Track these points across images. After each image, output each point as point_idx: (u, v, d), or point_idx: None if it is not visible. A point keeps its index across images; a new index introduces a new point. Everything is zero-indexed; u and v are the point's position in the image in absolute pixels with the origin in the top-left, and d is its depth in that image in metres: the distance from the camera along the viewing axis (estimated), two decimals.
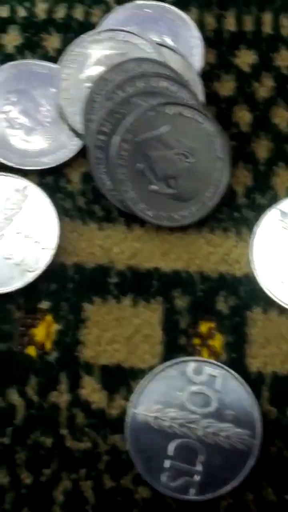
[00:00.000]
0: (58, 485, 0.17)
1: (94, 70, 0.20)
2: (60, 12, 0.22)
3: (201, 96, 0.20)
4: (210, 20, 0.22)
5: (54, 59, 0.21)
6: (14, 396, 0.18)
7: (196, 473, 0.16)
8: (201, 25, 0.22)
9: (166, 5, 0.21)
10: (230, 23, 0.22)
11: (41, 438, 0.17)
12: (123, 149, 0.18)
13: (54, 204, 0.19)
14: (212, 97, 0.21)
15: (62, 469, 0.17)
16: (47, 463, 0.17)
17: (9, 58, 0.21)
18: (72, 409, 0.18)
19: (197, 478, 0.16)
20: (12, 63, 0.21)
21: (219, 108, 0.21)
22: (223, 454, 0.16)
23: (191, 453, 0.16)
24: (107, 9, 0.22)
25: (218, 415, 0.17)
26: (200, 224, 0.19)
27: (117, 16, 0.21)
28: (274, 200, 0.20)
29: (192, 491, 0.16)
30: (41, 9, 0.22)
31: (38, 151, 0.20)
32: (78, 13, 0.22)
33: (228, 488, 0.16)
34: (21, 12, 0.22)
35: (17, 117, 0.20)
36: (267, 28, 0.22)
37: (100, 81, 0.18)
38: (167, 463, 0.16)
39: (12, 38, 0.22)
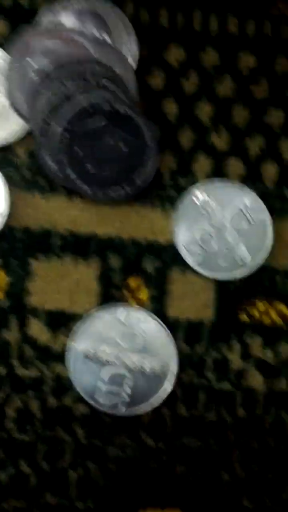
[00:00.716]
0: (11, 404, 0.24)
1: (39, 62, 0.27)
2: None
3: (134, 90, 0.28)
4: (144, 16, 0.29)
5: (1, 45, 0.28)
6: None
7: (125, 394, 0.24)
8: (136, 20, 0.29)
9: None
10: (163, 19, 0.29)
11: None
12: (64, 137, 0.26)
13: (4, 176, 0.26)
14: (144, 90, 0.29)
15: (13, 391, 0.24)
16: (1, 387, 0.24)
17: None
18: (22, 345, 0.25)
19: (125, 398, 0.24)
20: None
21: (150, 101, 0.29)
22: (146, 379, 0.25)
23: (120, 379, 0.24)
24: None
25: (143, 350, 0.25)
26: (132, 199, 0.27)
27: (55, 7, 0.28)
28: (193, 182, 0.28)
29: (122, 408, 0.24)
30: None
31: None
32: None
33: (149, 406, 0.24)
34: None
35: None
36: (197, 25, 0.29)
37: (45, 78, 0.26)
38: (102, 387, 0.24)
39: None
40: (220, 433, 0.26)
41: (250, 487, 0.26)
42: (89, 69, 0.27)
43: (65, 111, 0.26)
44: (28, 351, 0.25)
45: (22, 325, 0.25)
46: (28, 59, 0.27)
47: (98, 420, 0.25)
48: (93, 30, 0.28)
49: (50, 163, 0.26)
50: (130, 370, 0.25)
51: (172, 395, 0.25)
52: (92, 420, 0.25)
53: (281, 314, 0.27)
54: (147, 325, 0.25)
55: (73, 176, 0.26)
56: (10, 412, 0.25)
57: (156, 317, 0.26)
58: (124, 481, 0.25)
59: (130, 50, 0.29)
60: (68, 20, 0.28)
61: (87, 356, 0.24)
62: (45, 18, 0.28)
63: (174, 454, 0.25)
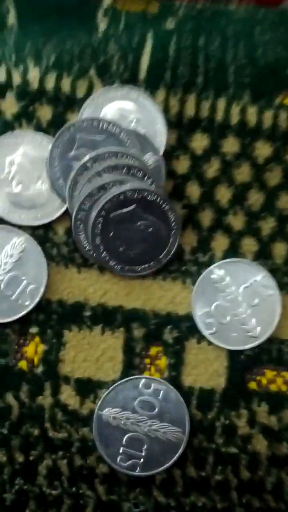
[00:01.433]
0: (42, 462, 0.27)
1: (79, 152, 0.29)
2: (50, 82, 0.31)
3: (162, 175, 0.30)
4: (173, 103, 0.31)
5: (45, 130, 0.30)
6: (10, 399, 0.28)
7: (141, 457, 0.27)
8: (166, 108, 0.31)
9: (138, 89, 0.30)
10: (190, 108, 0.31)
11: (30, 429, 0.28)
12: (98, 223, 0.28)
13: (43, 251, 0.29)
14: (170, 173, 0.31)
15: (45, 451, 0.27)
16: (34, 447, 0.27)
17: (7, 126, 0.30)
18: (54, 409, 0.28)
19: (141, 460, 0.27)
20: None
21: (175, 183, 0.31)
22: (161, 445, 0.27)
23: (138, 443, 0.27)
24: (90, 85, 0.31)
25: (159, 417, 0.27)
26: (155, 274, 0.30)
27: (97, 100, 0.31)
28: (212, 259, 0.30)
29: (138, 469, 0.27)
30: (33, 76, 0.30)
31: (31, 206, 0.29)
32: (65, 85, 0.31)
33: (163, 468, 0.27)
34: (16, 78, 0.31)
35: (16, 178, 0.29)
36: (219, 116, 0.31)
37: (81, 167, 0.28)
38: (121, 449, 0.27)
39: (9, 105, 0.30)
40: (225, 492, 0.28)
41: None
42: (123, 162, 0.29)
43: (100, 199, 0.29)
44: (59, 415, 0.28)
45: (55, 391, 0.28)
46: (72, 152, 0.29)
47: (116, 478, 0.28)
48: (130, 119, 0.31)
49: (85, 244, 0.29)
50: (147, 435, 0.27)
51: (183, 456, 0.28)
52: (111, 478, 0.28)
53: (286, 382, 0.29)
54: (164, 394, 0.28)
55: (105, 255, 0.29)
56: (42, 469, 0.28)
57: (172, 387, 0.28)
58: None
59: (160, 137, 0.31)
60: (108, 111, 0.31)
61: (110, 424, 0.27)
62: (88, 111, 0.30)
63: (182, 509, 0.28)
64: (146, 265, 0.30)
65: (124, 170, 0.29)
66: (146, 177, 0.29)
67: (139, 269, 0.29)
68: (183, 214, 0.30)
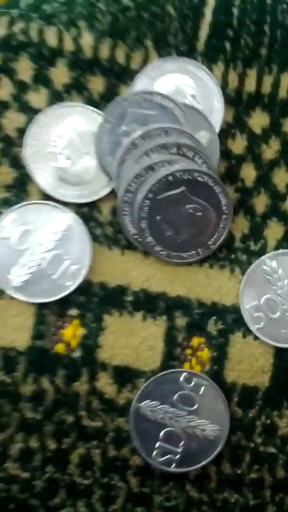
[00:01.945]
0: (74, 451, 0.26)
1: (130, 127, 0.27)
2: (104, 51, 0.28)
3: (216, 156, 0.28)
4: (233, 78, 0.29)
5: (96, 103, 0.28)
6: (45, 383, 0.27)
7: (177, 453, 0.26)
8: (224, 82, 0.29)
9: (195, 62, 0.28)
10: (250, 83, 0.29)
11: (64, 416, 0.26)
12: (145, 205, 0.26)
13: (88, 231, 0.27)
14: (225, 153, 0.28)
15: (78, 439, 0.26)
16: (67, 435, 0.26)
17: (58, 96, 0.28)
18: (89, 397, 0.26)
19: (177, 456, 0.26)
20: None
21: (230, 164, 0.28)
22: (199, 441, 0.26)
23: (175, 439, 0.26)
24: (146, 56, 0.29)
25: (198, 413, 0.26)
26: (202, 261, 0.28)
27: (151, 72, 0.28)
28: (264, 248, 0.28)
29: (173, 465, 0.26)
30: (86, 43, 0.28)
31: (78, 183, 0.27)
32: (120, 55, 0.28)
33: (199, 465, 0.26)
34: (68, 44, 0.28)
35: (64, 152, 0.27)
36: (283, 92, 0.29)
37: (130, 145, 0.26)
38: (157, 444, 0.26)
39: (60, 74, 0.28)
40: (258, 490, 0.27)
41: None
42: (173, 141, 0.27)
43: (148, 180, 0.26)
44: (95, 403, 0.27)
45: (92, 378, 0.27)
46: (122, 128, 0.27)
47: (149, 471, 0.27)
48: (185, 94, 0.28)
49: (130, 228, 0.27)
50: (184, 431, 0.26)
51: (219, 453, 0.26)
52: (144, 470, 0.27)
53: None
54: (205, 390, 0.26)
55: (150, 240, 0.27)
56: (74, 458, 0.26)
57: (213, 383, 0.26)
58: None
59: (216, 114, 0.28)
60: (162, 85, 0.28)
61: (147, 417, 0.26)
62: (141, 83, 0.28)
63: (214, 505, 0.26)
64: (194, 252, 0.28)
65: (174, 150, 0.27)
66: (198, 157, 0.27)
67: (186, 255, 0.28)
68: (236, 198, 0.28)
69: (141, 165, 0.27)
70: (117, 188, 0.27)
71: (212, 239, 0.28)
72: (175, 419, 0.26)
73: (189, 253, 0.28)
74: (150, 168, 0.26)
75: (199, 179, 0.26)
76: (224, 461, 0.27)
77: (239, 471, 0.27)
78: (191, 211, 0.27)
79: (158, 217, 0.27)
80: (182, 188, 0.27)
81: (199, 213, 0.27)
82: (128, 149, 0.27)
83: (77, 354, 0.27)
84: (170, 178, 0.26)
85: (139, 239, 0.27)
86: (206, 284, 0.28)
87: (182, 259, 0.28)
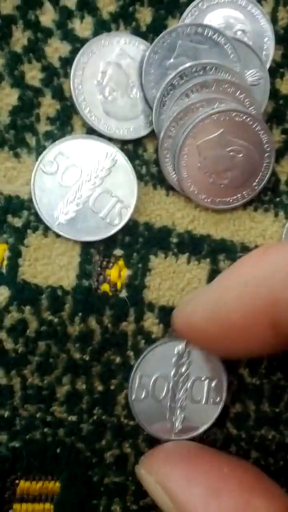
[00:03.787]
0: (121, 392, 0.26)
1: (178, 60, 0.25)
2: None
3: (266, 93, 0.26)
4: (283, 15, 0.27)
5: (143, 34, 0.26)
6: (93, 323, 0.25)
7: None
8: (273, 19, 0.27)
9: None
10: None
11: (112, 357, 0.25)
12: (185, 152, 0.25)
13: (134, 169, 0.26)
14: (272, 93, 0.27)
15: (125, 380, 0.26)
16: (114, 376, 0.25)
17: (104, 26, 0.26)
18: (137, 337, 0.25)
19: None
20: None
21: (277, 104, 0.27)
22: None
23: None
24: None
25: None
26: (247, 203, 0.27)
27: (201, 5, 0.26)
28: None
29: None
30: None
31: (123, 117, 0.26)
32: None
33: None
34: None
35: (110, 84, 0.26)
36: None
37: (167, 86, 0.25)
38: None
39: (108, 2, 0.26)
40: None
41: None
42: (214, 77, 0.25)
43: (187, 122, 0.25)
44: (142, 343, 0.26)
45: (138, 318, 0.25)
46: (170, 60, 0.25)
47: None
48: (235, 29, 0.27)
49: (173, 176, 0.26)
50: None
51: (259, 392, 0.26)
52: None
53: None
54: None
55: (193, 189, 0.26)
56: (120, 399, 0.25)
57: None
58: None
59: (266, 52, 0.27)
60: (212, 18, 0.26)
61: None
62: (191, 17, 0.26)
63: (252, 441, 0.26)
64: (239, 195, 0.26)
65: (215, 87, 0.25)
66: (240, 93, 0.25)
67: (231, 200, 0.26)
68: (282, 139, 0.27)
69: (180, 107, 0.25)
70: (158, 132, 0.26)
71: (256, 181, 0.27)
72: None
73: (234, 197, 0.27)
74: (189, 109, 0.25)
75: (237, 119, 0.25)
76: (264, 399, 0.26)
77: (277, 410, 0.26)
78: (232, 153, 0.26)
79: (199, 164, 0.25)
80: (221, 130, 0.25)
81: (241, 155, 0.26)
82: (165, 90, 0.25)
83: (123, 294, 0.26)
84: (208, 121, 0.25)
85: (182, 188, 0.26)
86: (250, 228, 0.27)
87: (227, 204, 0.27)
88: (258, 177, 0.27)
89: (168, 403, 0.25)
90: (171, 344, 0.25)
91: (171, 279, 0.26)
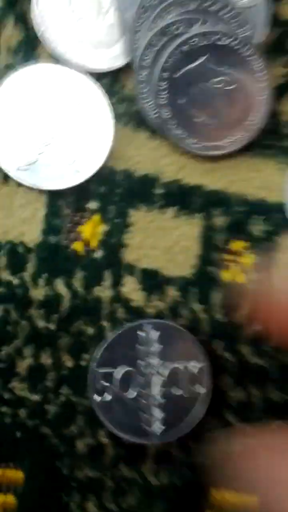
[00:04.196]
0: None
1: None
2: None
3: (265, 18, 0.22)
4: None
5: None
6: (60, 287, 0.21)
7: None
8: None
9: None
10: None
11: (84, 327, 0.21)
12: (163, 89, 0.21)
13: (110, 106, 0.22)
14: (276, 20, 0.23)
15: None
16: (87, 349, 0.22)
17: None
18: (113, 304, 0.21)
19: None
20: None
21: (277, 32, 0.23)
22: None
23: None
24: None
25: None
26: (244, 149, 0.23)
27: None
28: None
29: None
30: None
31: (96, 45, 0.22)
32: None
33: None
34: None
35: (79, 10, 0.22)
36: None
37: (140, 8, 0.21)
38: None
39: None
40: None
41: None
42: None
43: (162, 50, 0.21)
44: (120, 312, 0.22)
45: (116, 282, 0.22)
46: None
47: None
48: None
49: (154, 114, 0.22)
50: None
51: (265, 373, 0.22)
52: None
53: None
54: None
55: (178, 131, 0.22)
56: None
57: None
58: None
59: None
60: None
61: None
62: None
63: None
64: (233, 138, 0.22)
65: (194, 6, 0.21)
66: (230, 15, 0.21)
67: (224, 144, 0.22)
68: (283, 74, 0.23)
69: (152, 31, 0.21)
70: (132, 63, 0.22)
71: (251, 117, 0.22)
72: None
73: (228, 139, 0.23)
74: (163, 33, 0.21)
75: (220, 43, 0.21)
76: (270, 384, 0.22)
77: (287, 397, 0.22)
78: (219, 85, 0.22)
79: (180, 101, 0.21)
80: (204, 58, 0.21)
81: (232, 86, 0.22)
82: (140, 11, 0.21)
83: (98, 254, 0.22)
84: (185, 47, 0.21)
85: (164, 130, 0.22)
86: (250, 177, 0.23)
87: (220, 149, 0.22)
88: (254, 113, 0.22)
89: (141, 402, 0.21)
90: (135, 328, 0.21)
91: (154, 237, 0.22)
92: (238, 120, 0.22)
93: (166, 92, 0.21)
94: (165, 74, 0.21)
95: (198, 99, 0.22)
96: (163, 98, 0.22)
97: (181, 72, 0.21)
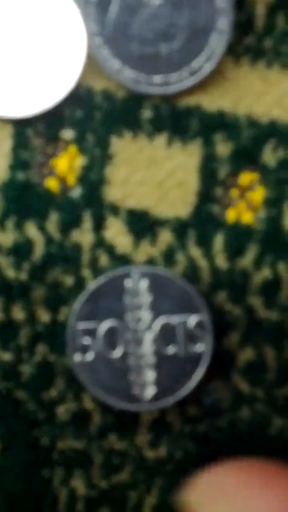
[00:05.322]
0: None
1: None
2: None
3: None
4: None
5: None
6: (33, 231, 0.19)
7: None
8: None
9: None
10: None
11: (60, 277, 0.19)
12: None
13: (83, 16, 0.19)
14: None
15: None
16: (64, 301, 0.19)
17: None
18: (95, 251, 0.19)
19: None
20: None
21: None
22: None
23: None
24: None
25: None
26: (255, 56, 0.19)
27: None
28: None
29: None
30: None
31: None
32: None
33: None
34: None
35: None
36: None
37: None
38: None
39: None
40: None
41: None
42: None
43: None
44: (103, 260, 0.19)
45: (98, 225, 0.19)
46: None
47: None
48: None
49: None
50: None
51: (281, 329, 0.19)
52: None
53: None
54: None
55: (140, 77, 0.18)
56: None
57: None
58: None
59: None
60: None
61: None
62: None
63: (272, 403, 0.19)
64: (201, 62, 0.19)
65: None
66: None
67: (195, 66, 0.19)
68: None
69: None
70: None
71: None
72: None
73: (195, 64, 0.19)
74: None
75: None
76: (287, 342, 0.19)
77: None
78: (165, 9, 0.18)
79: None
80: None
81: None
82: None
83: (76, 192, 0.19)
84: None
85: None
86: (261, 92, 0.19)
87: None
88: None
89: (130, 362, 0.18)
90: (121, 277, 0.18)
91: (143, 170, 0.19)
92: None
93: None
94: None
95: (148, 26, 0.18)
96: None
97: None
